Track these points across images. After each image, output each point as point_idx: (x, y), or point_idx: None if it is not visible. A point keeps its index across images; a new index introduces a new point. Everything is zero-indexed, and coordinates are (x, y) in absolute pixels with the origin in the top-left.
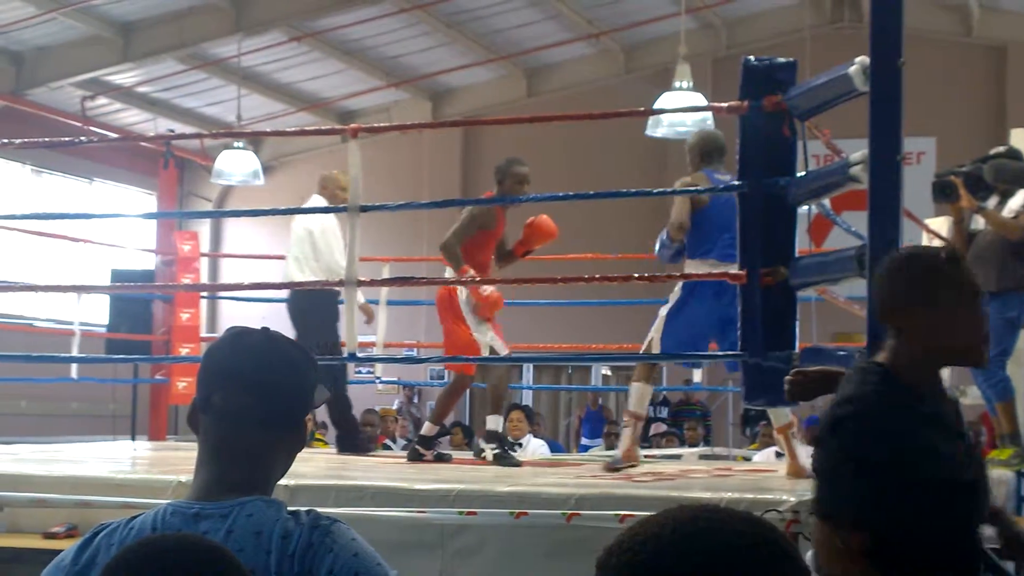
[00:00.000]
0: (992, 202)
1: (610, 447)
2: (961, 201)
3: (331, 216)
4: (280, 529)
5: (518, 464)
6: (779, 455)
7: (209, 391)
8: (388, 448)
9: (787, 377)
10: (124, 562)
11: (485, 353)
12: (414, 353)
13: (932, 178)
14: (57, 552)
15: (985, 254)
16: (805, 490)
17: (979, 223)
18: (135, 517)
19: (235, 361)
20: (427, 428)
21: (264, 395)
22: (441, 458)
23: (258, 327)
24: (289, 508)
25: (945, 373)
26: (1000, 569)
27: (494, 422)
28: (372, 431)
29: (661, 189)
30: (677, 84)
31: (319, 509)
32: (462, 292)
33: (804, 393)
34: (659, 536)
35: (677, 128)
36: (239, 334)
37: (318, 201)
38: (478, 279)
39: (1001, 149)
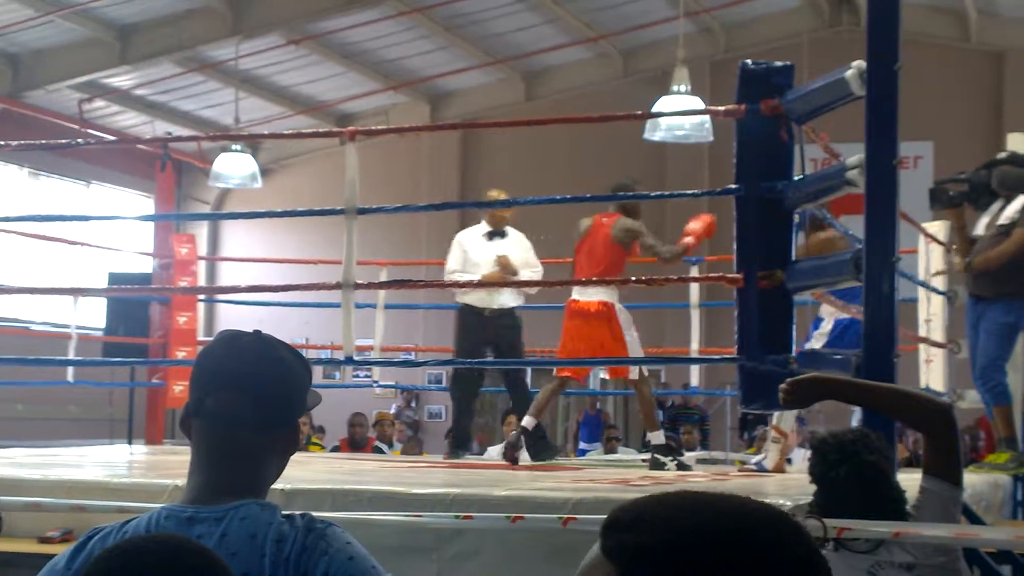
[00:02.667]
0: (995, 207)
1: (609, 451)
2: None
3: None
4: (275, 532)
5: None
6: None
7: (202, 394)
8: (381, 452)
9: (781, 385)
10: (106, 564)
11: (635, 372)
12: (412, 357)
13: (930, 182)
14: (52, 557)
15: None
16: (800, 494)
17: (979, 229)
18: (129, 521)
19: (228, 364)
20: (528, 421)
21: (257, 398)
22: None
23: (252, 330)
24: (284, 511)
25: (943, 377)
26: (994, 571)
27: (658, 437)
28: (361, 432)
29: (659, 192)
30: (675, 88)
31: (315, 513)
32: (622, 312)
33: (799, 399)
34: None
35: (675, 132)
36: (232, 337)
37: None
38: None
39: (1003, 155)
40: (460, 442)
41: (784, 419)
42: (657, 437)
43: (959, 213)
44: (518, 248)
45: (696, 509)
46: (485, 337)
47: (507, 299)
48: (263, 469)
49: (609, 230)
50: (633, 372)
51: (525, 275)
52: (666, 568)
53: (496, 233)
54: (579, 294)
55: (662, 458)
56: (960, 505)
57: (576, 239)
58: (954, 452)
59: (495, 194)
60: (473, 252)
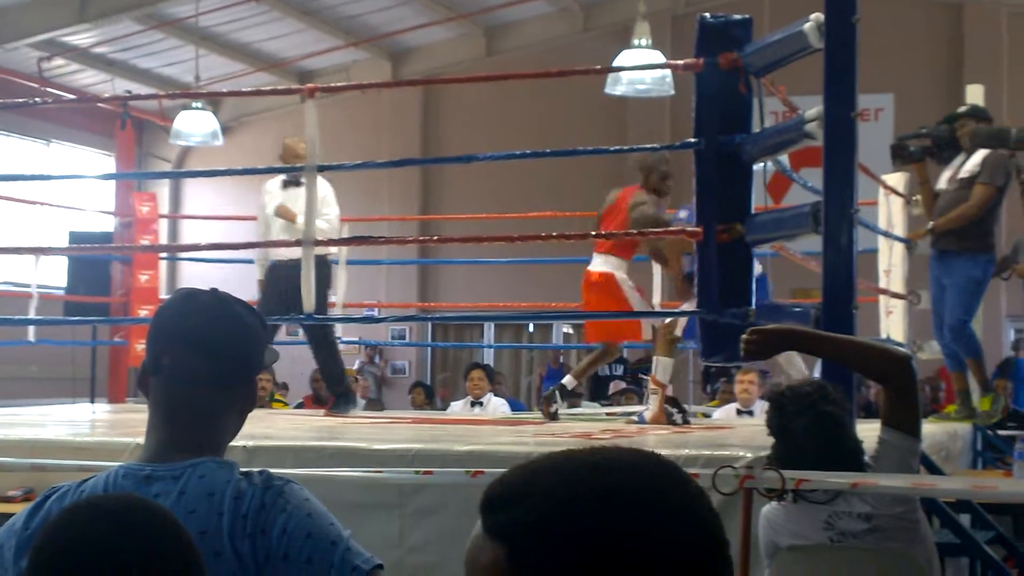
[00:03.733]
0: (957, 161)
1: (572, 405)
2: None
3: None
4: (232, 490)
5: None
6: (739, 412)
7: (159, 353)
8: None
9: (743, 336)
10: (62, 524)
11: (648, 331)
12: (375, 313)
13: (890, 136)
14: (12, 516)
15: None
16: (761, 447)
17: (942, 183)
18: (86, 480)
19: (184, 322)
20: (568, 381)
21: (214, 355)
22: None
23: (208, 288)
24: (241, 469)
25: (903, 328)
26: (953, 521)
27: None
28: (322, 388)
29: (619, 147)
30: (636, 42)
31: (278, 470)
32: (625, 283)
33: (760, 351)
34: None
35: (636, 86)
36: (188, 295)
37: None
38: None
39: (963, 108)
40: (349, 395)
41: (660, 369)
42: (570, 383)
43: (922, 167)
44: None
45: (587, 473)
46: (279, 290)
47: (297, 250)
48: (221, 427)
49: (626, 204)
50: (647, 332)
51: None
52: (563, 540)
53: (291, 181)
54: (591, 265)
55: (670, 408)
56: (919, 456)
57: (601, 209)
58: (913, 403)
59: (292, 144)
60: (268, 203)
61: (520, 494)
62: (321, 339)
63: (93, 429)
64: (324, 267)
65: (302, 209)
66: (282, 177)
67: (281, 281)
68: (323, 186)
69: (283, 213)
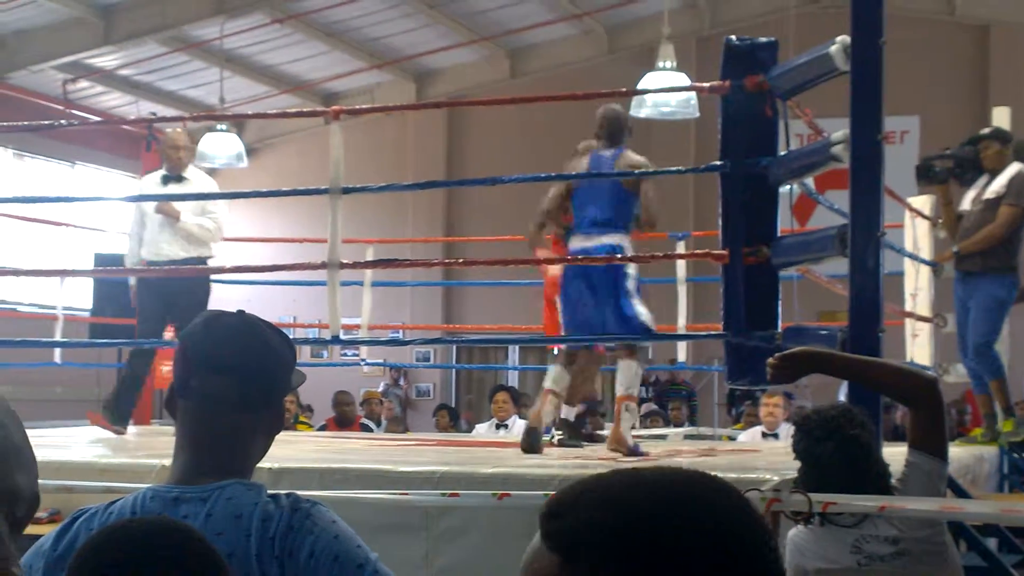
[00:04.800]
0: (981, 182)
1: (596, 428)
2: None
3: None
4: (260, 512)
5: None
6: (764, 435)
7: (186, 375)
8: (368, 430)
9: (769, 360)
10: (97, 546)
11: None
12: (399, 335)
13: (916, 158)
14: (39, 537)
15: (972, 235)
16: (787, 470)
17: (966, 204)
18: (114, 502)
19: (212, 344)
20: (567, 412)
21: (241, 378)
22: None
23: (235, 310)
24: (269, 491)
25: (929, 351)
26: (980, 544)
27: (568, 412)
28: (349, 411)
29: (644, 170)
30: (661, 64)
31: (303, 492)
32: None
33: (786, 375)
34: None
35: (661, 108)
36: (215, 317)
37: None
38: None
39: (986, 131)
40: (123, 415)
41: (555, 379)
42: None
43: (945, 189)
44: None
45: (634, 488)
46: (157, 293)
47: (177, 249)
48: (248, 449)
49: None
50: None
51: (194, 225)
52: (609, 551)
53: (172, 177)
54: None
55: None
56: (945, 479)
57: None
58: (940, 426)
59: (173, 135)
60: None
61: (575, 504)
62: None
63: (118, 451)
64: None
65: (185, 207)
66: (162, 172)
67: (162, 282)
68: (209, 184)
69: (168, 210)
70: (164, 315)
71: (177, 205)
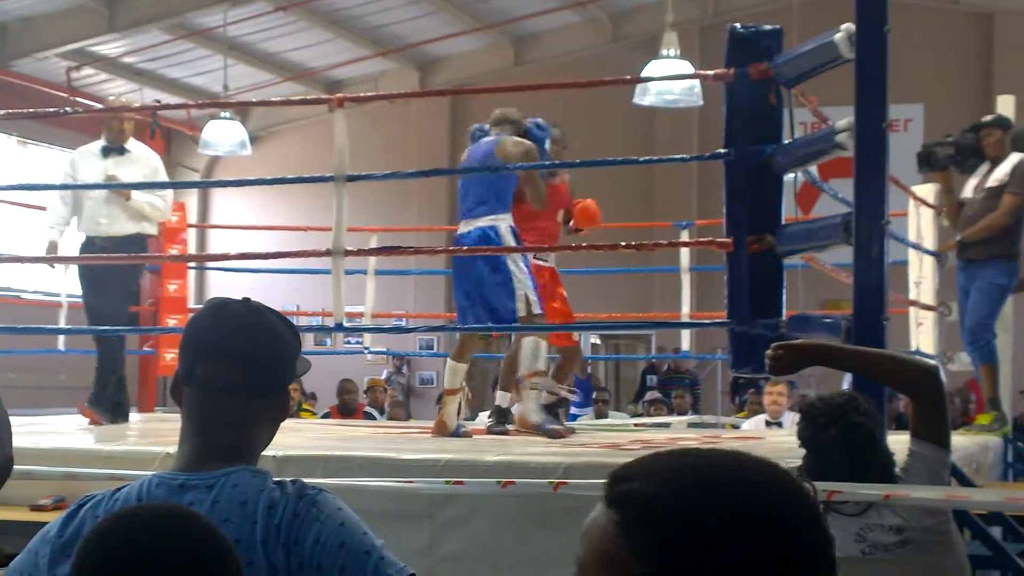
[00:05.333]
0: (983, 169)
1: (599, 415)
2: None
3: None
4: (266, 499)
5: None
6: (768, 423)
7: (192, 362)
8: (372, 417)
9: (768, 352)
10: (104, 533)
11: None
12: (403, 323)
13: (919, 146)
14: (44, 524)
15: (975, 222)
16: (791, 459)
17: (968, 191)
18: (120, 488)
19: (217, 332)
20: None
21: (246, 365)
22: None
23: (240, 297)
24: (275, 478)
25: (933, 339)
26: (985, 533)
27: (503, 398)
28: (351, 399)
29: (648, 157)
30: (664, 52)
31: (307, 480)
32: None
33: (786, 366)
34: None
35: (664, 96)
36: (220, 305)
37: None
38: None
39: (989, 118)
40: (122, 408)
41: (452, 376)
42: (547, 399)
43: (947, 176)
44: (138, 169)
45: (704, 462)
46: (93, 270)
47: (125, 226)
48: (254, 436)
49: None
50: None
51: (145, 203)
52: (665, 519)
53: (113, 149)
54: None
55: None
56: (949, 467)
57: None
58: (941, 415)
59: (119, 104)
60: (82, 170)
61: (640, 473)
62: (113, 338)
63: (123, 438)
64: (139, 245)
65: (128, 178)
66: (101, 143)
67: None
68: (152, 157)
69: (118, 189)
70: (96, 294)
71: (126, 181)
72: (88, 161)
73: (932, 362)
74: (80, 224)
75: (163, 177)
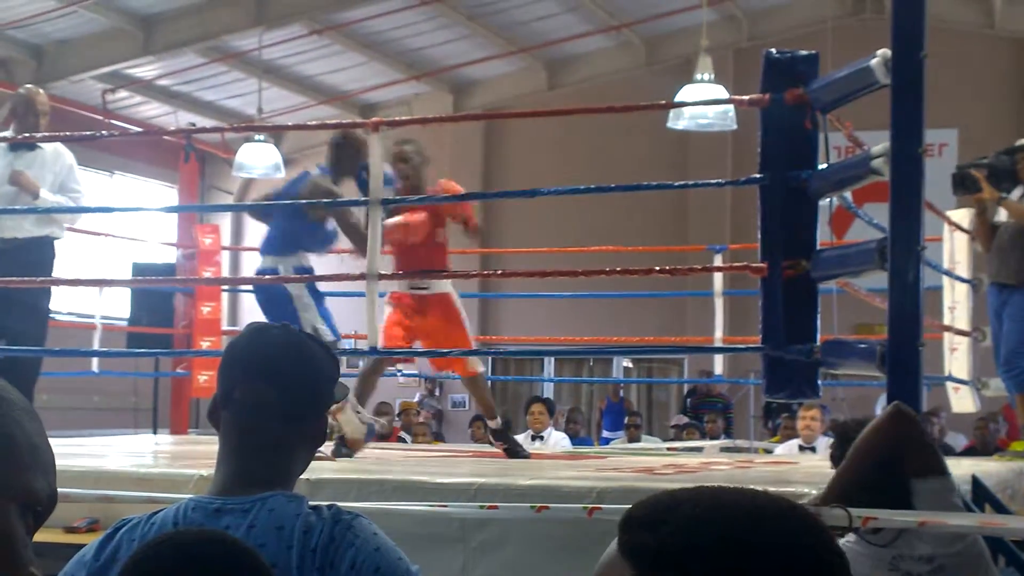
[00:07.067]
0: (1016, 193)
1: (632, 439)
2: (983, 192)
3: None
4: (302, 524)
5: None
6: (801, 448)
7: (230, 386)
8: (404, 441)
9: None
10: (145, 558)
11: (476, 363)
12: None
13: (953, 170)
14: (79, 546)
15: (1008, 246)
16: (825, 483)
17: (1002, 215)
18: (156, 512)
19: (255, 356)
20: (496, 424)
21: (284, 390)
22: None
23: (279, 323)
24: (311, 503)
25: (967, 365)
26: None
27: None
28: (387, 422)
29: (683, 182)
30: (698, 76)
31: (341, 503)
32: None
33: None
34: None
35: (699, 120)
36: (259, 329)
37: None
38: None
39: (1023, 141)
40: None
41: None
42: (498, 425)
43: (981, 199)
44: (49, 166)
45: (724, 513)
46: None
47: (26, 226)
48: (291, 461)
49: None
50: (476, 364)
51: (50, 201)
52: (686, 572)
53: (23, 145)
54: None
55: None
56: (955, 490)
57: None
58: (925, 445)
59: (35, 97)
60: None
61: (656, 521)
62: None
63: (156, 460)
64: (47, 249)
65: (38, 176)
66: (7, 134)
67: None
68: (64, 154)
69: (25, 182)
70: None
71: (35, 178)
72: None
73: (889, 406)
74: None
75: (77, 181)
